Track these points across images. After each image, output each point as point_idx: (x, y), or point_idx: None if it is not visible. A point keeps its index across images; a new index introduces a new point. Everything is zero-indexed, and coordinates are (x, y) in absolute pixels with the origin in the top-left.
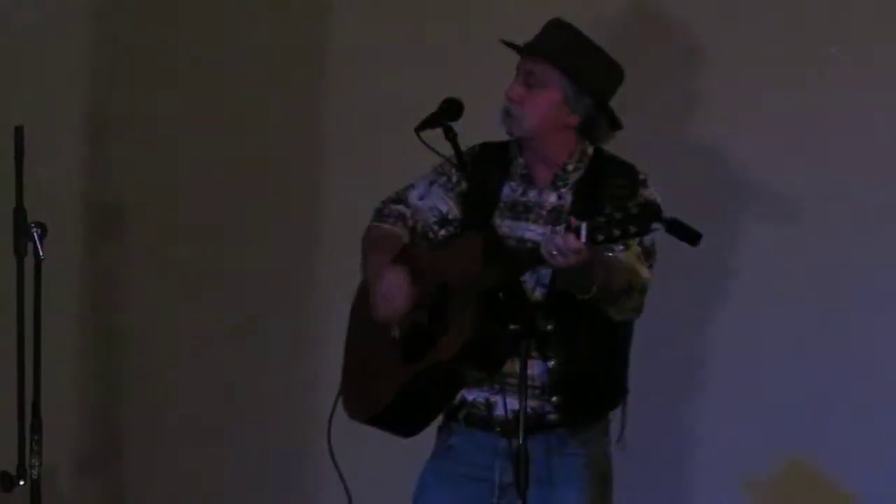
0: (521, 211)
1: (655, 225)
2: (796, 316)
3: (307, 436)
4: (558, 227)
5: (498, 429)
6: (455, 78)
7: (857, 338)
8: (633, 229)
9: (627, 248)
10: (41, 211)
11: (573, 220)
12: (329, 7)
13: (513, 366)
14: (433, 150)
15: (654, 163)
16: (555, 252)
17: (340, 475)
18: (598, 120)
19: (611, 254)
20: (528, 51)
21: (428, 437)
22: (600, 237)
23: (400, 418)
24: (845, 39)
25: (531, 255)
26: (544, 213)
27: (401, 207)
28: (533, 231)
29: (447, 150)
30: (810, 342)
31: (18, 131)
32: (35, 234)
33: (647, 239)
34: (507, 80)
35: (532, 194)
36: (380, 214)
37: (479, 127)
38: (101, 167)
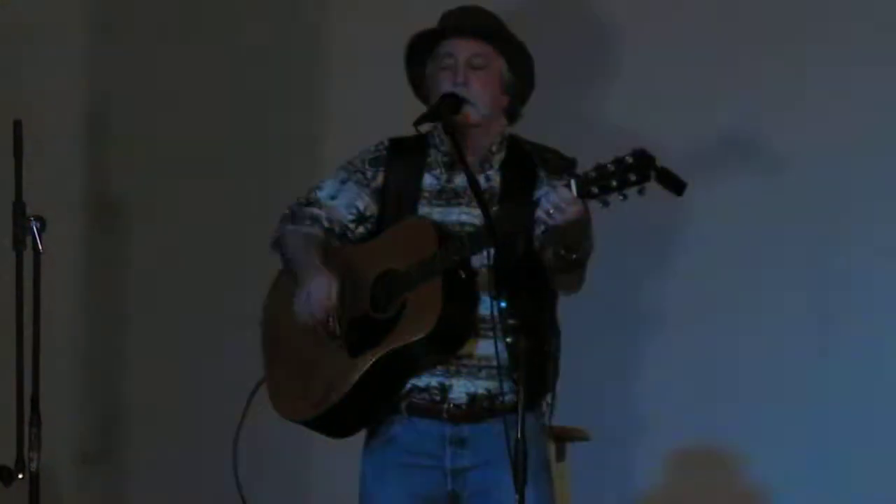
0: (451, 196)
1: (650, 173)
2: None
3: (308, 430)
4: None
5: (446, 415)
6: None
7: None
8: (633, 177)
9: None
10: (40, 205)
11: (560, 182)
12: (328, 6)
13: (469, 347)
14: (394, 138)
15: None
16: (551, 210)
17: (239, 487)
18: (519, 100)
19: None
20: (471, 30)
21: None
22: (594, 189)
23: (349, 414)
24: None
25: (500, 226)
26: (473, 195)
27: (314, 210)
28: (469, 214)
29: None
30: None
31: (17, 125)
32: (34, 228)
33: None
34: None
35: (458, 179)
36: (293, 217)
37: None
38: (100, 162)
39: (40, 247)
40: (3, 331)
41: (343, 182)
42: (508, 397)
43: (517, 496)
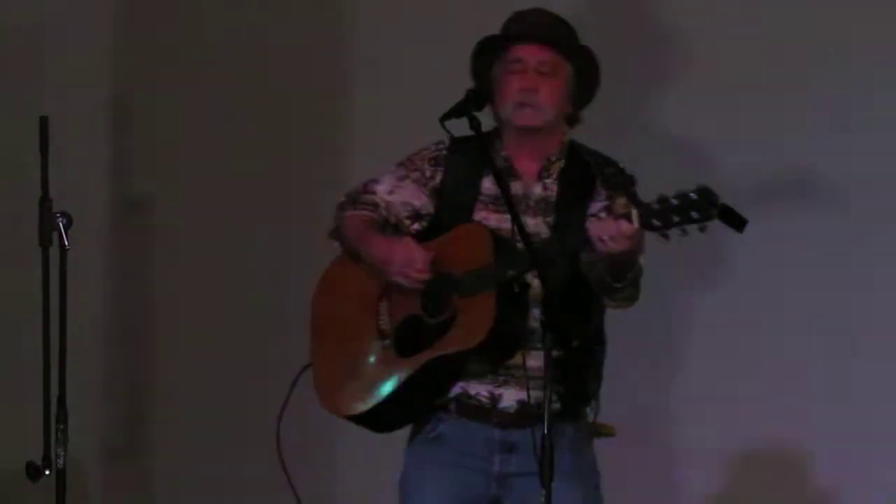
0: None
1: (714, 211)
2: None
3: (330, 420)
4: (607, 213)
5: (496, 420)
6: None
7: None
8: (695, 215)
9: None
10: (66, 201)
11: (620, 206)
12: (352, 7)
13: (516, 358)
14: (452, 136)
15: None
16: (606, 237)
17: (288, 478)
18: (579, 106)
19: None
20: (542, 37)
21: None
22: (657, 223)
23: (393, 411)
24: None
25: (552, 246)
26: (532, 203)
27: (374, 198)
28: (530, 222)
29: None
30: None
31: (43, 122)
32: (60, 224)
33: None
34: None
35: (517, 186)
36: (355, 203)
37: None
38: (125, 158)
39: (66, 243)
40: (30, 327)
41: (401, 179)
42: (556, 405)
43: (543, 494)
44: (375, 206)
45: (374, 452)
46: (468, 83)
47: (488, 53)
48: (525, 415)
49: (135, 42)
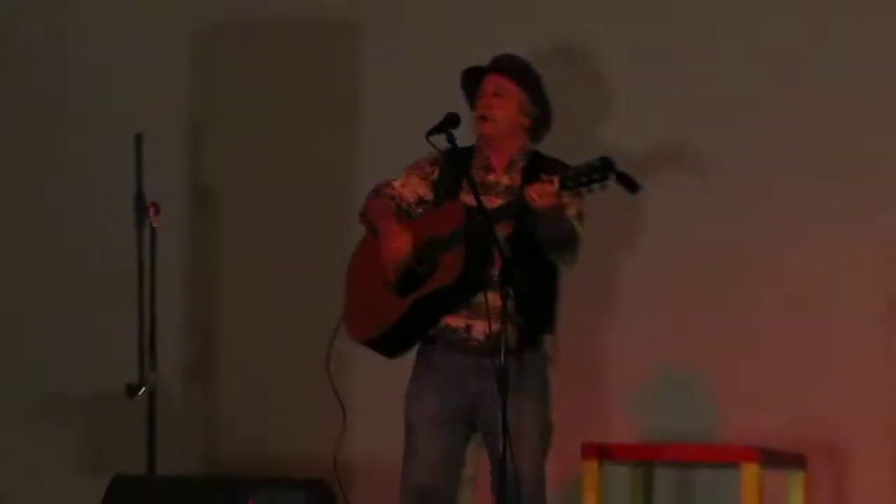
0: (486, 188)
1: (611, 174)
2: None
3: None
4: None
5: (471, 348)
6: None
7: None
8: (597, 176)
9: (567, 209)
10: (156, 194)
11: (546, 176)
12: (363, 34)
13: (483, 297)
14: (437, 149)
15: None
16: (535, 195)
17: (336, 393)
18: (539, 125)
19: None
20: (498, 69)
21: (402, 365)
22: (570, 183)
23: (396, 337)
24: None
25: (508, 208)
26: (501, 189)
27: (390, 190)
28: (496, 201)
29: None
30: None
31: (138, 139)
32: (151, 212)
33: (577, 210)
34: None
35: (491, 177)
36: (377, 193)
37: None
38: (201, 159)
39: (155, 226)
40: (128, 288)
41: (409, 176)
42: (514, 337)
43: (500, 410)
44: (392, 196)
45: (384, 382)
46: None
47: (471, 84)
48: (491, 344)
49: (206, 77)
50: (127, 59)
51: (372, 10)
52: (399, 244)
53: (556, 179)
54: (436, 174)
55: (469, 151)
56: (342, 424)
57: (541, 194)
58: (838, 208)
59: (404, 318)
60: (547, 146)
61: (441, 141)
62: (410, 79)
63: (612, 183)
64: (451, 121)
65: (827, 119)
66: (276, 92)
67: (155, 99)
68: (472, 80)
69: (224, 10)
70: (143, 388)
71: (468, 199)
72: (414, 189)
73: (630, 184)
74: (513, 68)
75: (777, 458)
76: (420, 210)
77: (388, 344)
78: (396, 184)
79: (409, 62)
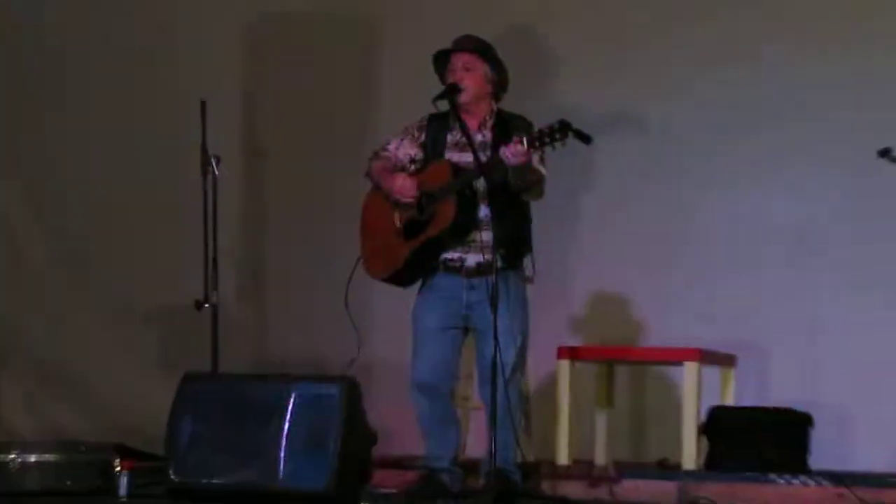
0: (464, 146)
1: (569, 132)
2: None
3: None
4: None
5: (464, 273)
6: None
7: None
8: (558, 136)
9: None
10: (218, 149)
11: (517, 138)
12: (380, 38)
13: (474, 235)
14: (439, 111)
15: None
16: (509, 155)
17: (352, 321)
18: (500, 88)
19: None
20: (463, 48)
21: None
22: (536, 143)
23: (407, 274)
24: None
25: (484, 164)
26: (477, 145)
27: (387, 153)
28: (470, 157)
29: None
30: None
31: (203, 105)
32: (213, 163)
33: (539, 156)
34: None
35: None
36: (377, 156)
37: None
38: (252, 125)
39: (216, 173)
40: (196, 227)
41: (401, 139)
42: (499, 263)
43: (492, 311)
44: (388, 159)
45: (396, 303)
46: None
47: (441, 63)
48: (481, 268)
49: (259, 56)
50: (197, 42)
51: (392, 4)
52: (406, 184)
53: (524, 140)
54: (423, 137)
55: (445, 117)
56: (356, 352)
57: (514, 154)
58: (751, 156)
59: (411, 258)
60: (515, 107)
61: (444, 106)
62: (421, 57)
63: (569, 138)
64: (453, 89)
65: (763, 87)
66: (315, 70)
67: (218, 74)
68: (442, 60)
69: (274, 3)
70: (208, 304)
71: (452, 155)
72: (406, 150)
73: (583, 138)
74: (475, 46)
75: (713, 358)
76: (413, 167)
77: (401, 278)
78: (391, 147)
79: (423, 43)
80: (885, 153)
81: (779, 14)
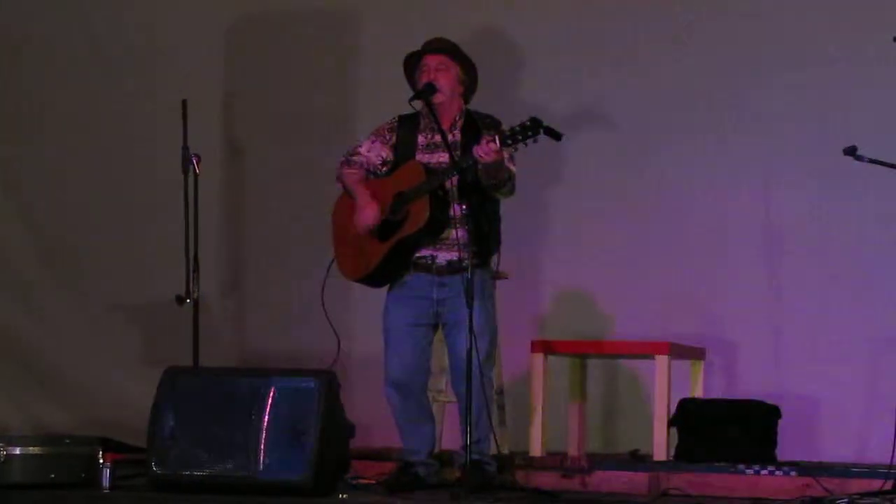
0: (434, 147)
1: (540, 129)
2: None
3: (345, 287)
4: (484, 140)
5: (435, 271)
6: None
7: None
8: (530, 133)
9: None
10: (198, 148)
11: (489, 136)
12: (359, 39)
13: (446, 233)
14: (416, 110)
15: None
16: (482, 153)
17: (330, 323)
18: (469, 89)
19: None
20: (437, 49)
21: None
22: (509, 141)
23: (381, 275)
24: None
25: (457, 164)
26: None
27: (359, 158)
28: (443, 157)
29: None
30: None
31: (184, 104)
32: (194, 161)
33: (509, 153)
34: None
35: (437, 137)
36: (349, 163)
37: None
38: (232, 124)
39: (198, 172)
40: (176, 220)
41: (373, 142)
42: (467, 262)
43: (468, 309)
44: (360, 164)
45: (375, 299)
46: None
47: (412, 65)
48: (451, 266)
49: (238, 57)
50: (178, 42)
51: (371, 5)
52: (368, 214)
53: (496, 138)
54: (394, 139)
55: (415, 119)
56: (336, 350)
57: (486, 152)
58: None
59: (385, 258)
60: (485, 107)
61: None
62: (397, 59)
63: (541, 135)
64: (429, 90)
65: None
66: (292, 69)
67: (198, 74)
68: (412, 62)
69: (253, 4)
70: (189, 299)
71: (423, 157)
72: (378, 153)
73: (554, 134)
74: (447, 48)
75: (683, 351)
76: (385, 169)
77: (374, 279)
78: (363, 149)
79: (399, 45)
80: (850, 151)
81: (755, 13)
